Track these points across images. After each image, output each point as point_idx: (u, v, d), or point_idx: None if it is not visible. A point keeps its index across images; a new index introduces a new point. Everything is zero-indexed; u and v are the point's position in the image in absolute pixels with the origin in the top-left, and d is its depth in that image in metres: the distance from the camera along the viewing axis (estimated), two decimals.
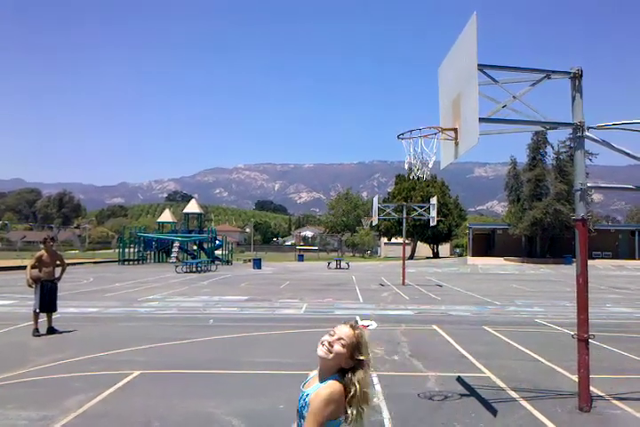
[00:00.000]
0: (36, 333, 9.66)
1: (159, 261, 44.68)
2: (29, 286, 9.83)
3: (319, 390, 2.18)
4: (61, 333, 9.90)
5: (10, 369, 7.08)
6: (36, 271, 9.89)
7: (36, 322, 9.78)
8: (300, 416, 2.25)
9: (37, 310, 9.83)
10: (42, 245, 10.18)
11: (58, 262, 10.18)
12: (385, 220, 51.97)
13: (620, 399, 5.91)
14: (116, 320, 11.73)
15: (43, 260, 9.89)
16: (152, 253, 45.35)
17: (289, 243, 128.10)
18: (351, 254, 77.46)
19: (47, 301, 9.88)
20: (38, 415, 5.25)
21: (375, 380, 6.63)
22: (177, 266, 32.69)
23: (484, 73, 5.77)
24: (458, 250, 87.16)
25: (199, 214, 49.35)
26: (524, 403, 5.77)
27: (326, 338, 2.25)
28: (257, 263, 37.17)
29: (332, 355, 2.21)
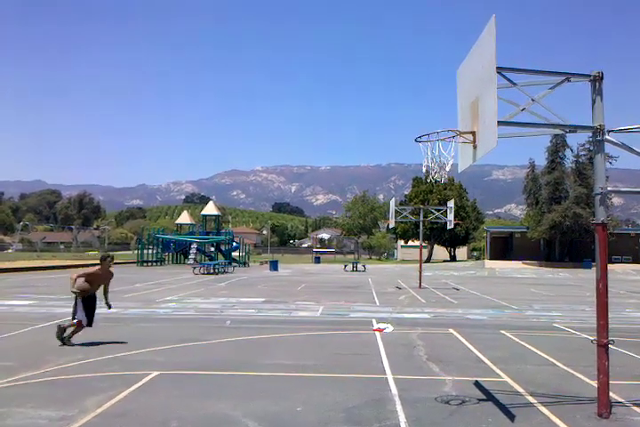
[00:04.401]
0: (67, 341, 9.02)
1: (177, 263, 45.03)
2: (74, 292, 9.05)
3: None
4: (74, 345, 9.01)
5: (30, 369, 7.19)
6: (87, 285, 9.26)
7: (75, 333, 9.09)
8: None
9: (85, 325, 9.12)
10: (99, 262, 9.67)
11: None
12: (402, 222, 51.83)
13: None
14: (134, 321, 11.85)
15: (96, 277, 9.42)
16: (170, 254, 45.73)
17: (305, 245, 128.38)
18: (368, 257, 77.38)
19: (92, 315, 9.31)
20: (58, 415, 5.32)
21: (392, 383, 6.63)
22: (194, 267, 32.93)
23: (503, 76, 5.74)
24: (475, 253, 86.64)
25: (217, 216, 49.71)
26: (542, 408, 5.72)
27: None
28: (274, 265, 37.31)
29: None
